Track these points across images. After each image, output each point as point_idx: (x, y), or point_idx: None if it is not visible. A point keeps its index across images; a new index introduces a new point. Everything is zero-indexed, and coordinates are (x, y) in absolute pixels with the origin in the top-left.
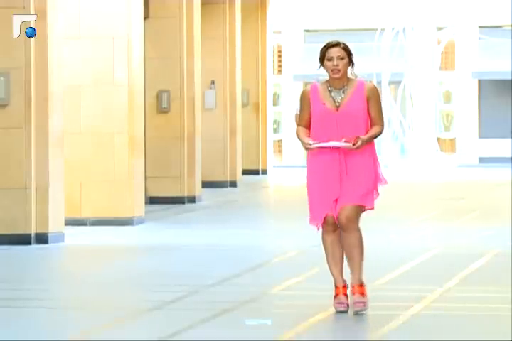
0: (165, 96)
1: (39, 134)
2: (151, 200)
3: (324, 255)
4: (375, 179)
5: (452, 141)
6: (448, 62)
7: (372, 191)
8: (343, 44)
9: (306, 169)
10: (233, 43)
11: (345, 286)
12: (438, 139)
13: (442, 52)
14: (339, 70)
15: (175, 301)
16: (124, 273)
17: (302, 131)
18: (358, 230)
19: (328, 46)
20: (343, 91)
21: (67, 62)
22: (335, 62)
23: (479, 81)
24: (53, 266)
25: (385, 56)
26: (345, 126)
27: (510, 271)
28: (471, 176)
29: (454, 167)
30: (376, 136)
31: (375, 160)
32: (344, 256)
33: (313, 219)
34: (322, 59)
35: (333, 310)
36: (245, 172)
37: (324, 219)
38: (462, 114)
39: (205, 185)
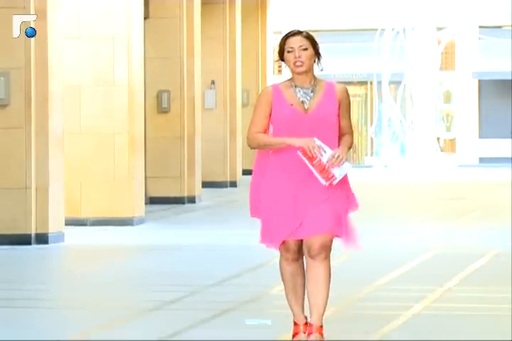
0: (165, 96)
1: (39, 134)
2: (151, 200)
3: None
4: (349, 202)
5: (452, 141)
6: (448, 62)
7: (346, 218)
8: (306, 32)
9: (257, 171)
10: (233, 43)
11: (306, 324)
12: (438, 139)
13: (442, 53)
14: (302, 62)
15: (175, 301)
16: (124, 273)
17: (266, 135)
18: (330, 260)
19: (288, 36)
20: (312, 91)
21: (67, 62)
22: (297, 54)
23: (479, 81)
24: (53, 266)
25: (385, 56)
26: (317, 133)
27: (510, 271)
28: (471, 176)
29: (454, 167)
30: (350, 149)
31: (346, 178)
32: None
33: (267, 240)
34: (281, 52)
35: (334, 310)
36: (245, 172)
37: (285, 244)
38: (462, 114)
39: (205, 185)
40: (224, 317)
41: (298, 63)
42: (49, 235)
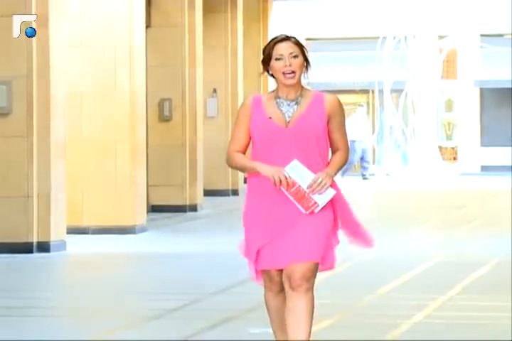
0: (167, 104)
1: (41, 142)
2: (153, 208)
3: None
4: (335, 227)
5: (454, 149)
6: (450, 70)
7: (332, 245)
8: (295, 38)
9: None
10: (235, 52)
11: None
12: (440, 148)
13: (444, 61)
14: (293, 73)
15: (177, 309)
16: (126, 281)
17: (243, 157)
18: (313, 291)
19: (276, 41)
20: (296, 103)
21: (69, 70)
22: (287, 62)
23: (481, 89)
24: (55, 274)
25: (386, 65)
26: (300, 149)
27: (511, 279)
28: (473, 184)
29: (455, 175)
30: (344, 166)
31: (343, 200)
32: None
33: (245, 254)
34: (267, 60)
35: (336, 318)
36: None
37: (268, 274)
38: (464, 123)
39: (207, 193)
40: (226, 326)
41: (289, 74)
42: (51, 243)
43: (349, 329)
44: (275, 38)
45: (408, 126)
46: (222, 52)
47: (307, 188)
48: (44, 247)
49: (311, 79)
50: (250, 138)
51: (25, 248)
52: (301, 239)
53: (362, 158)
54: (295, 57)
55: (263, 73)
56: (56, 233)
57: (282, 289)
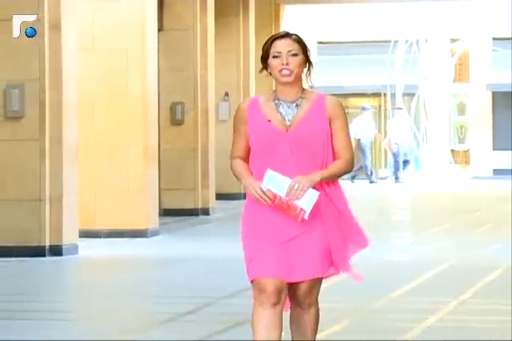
0: (179, 108)
1: (53, 146)
2: (165, 212)
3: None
4: (347, 237)
5: (466, 152)
6: (462, 74)
7: (346, 257)
8: (296, 35)
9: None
10: (247, 55)
11: None
12: (452, 151)
13: (456, 64)
14: (291, 71)
15: (189, 313)
16: (138, 285)
17: (240, 165)
18: (318, 303)
19: (274, 38)
20: (297, 106)
21: (81, 73)
22: (284, 60)
23: (493, 93)
24: (67, 278)
25: (398, 68)
26: (301, 154)
27: None
28: (485, 188)
29: (468, 179)
30: (341, 175)
31: (345, 210)
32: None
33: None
34: (265, 57)
35: (348, 321)
36: None
37: (259, 283)
38: (476, 126)
39: (219, 197)
40: (238, 329)
41: (285, 71)
42: (63, 247)
43: (361, 333)
44: (275, 34)
45: (420, 129)
46: (234, 55)
47: (286, 196)
48: (56, 251)
49: (322, 82)
50: (249, 143)
51: (38, 251)
52: (304, 252)
53: (404, 161)
54: (294, 55)
55: (261, 71)
56: (68, 236)
57: (276, 302)
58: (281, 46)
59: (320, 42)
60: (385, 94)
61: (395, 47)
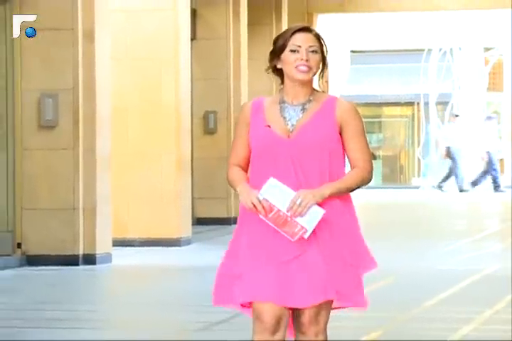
0: (212, 117)
1: (87, 155)
2: (198, 221)
3: None
4: (358, 257)
5: (500, 161)
6: (496, 82)
7: (359, 281)
8: (316, 31)
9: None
10: None
11: None
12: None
13: (490, 73)
14: (309, 68)
15: (222, 322)
16: (171, 294)
17: (237, 172)
18: (325, 333)
19: (294, 30)
20: (303, 109)
21: (114, 83)
22: (304, 56)
23: None
24: (101, 286)
25: (432, 77)
26: (304, 164)
27: None
28: None
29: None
30: (355, 188)
31: (355, 227)
32: None
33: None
34: (281, 49)
35: (382, 331)
36: None
37: (257, 310)
38: (510, 135)
39: None
40: None
41: (302, 67)
42: (96, 256)
43: None
44: (295, 26)
45: None
46: (266, 64)
47: (287, 211)
48: (90, 259)
49: (356, 91)
50: (250, 150)
51: (72, 260)
52: (307, 274)
53: (495, 169)
54: (314, 52)
55: (268, 69)
56: (102, 245)
57: (276, 330)
58: (302, 40)
59: (353, 51)
60: (418, 103)
61: (429, 56)
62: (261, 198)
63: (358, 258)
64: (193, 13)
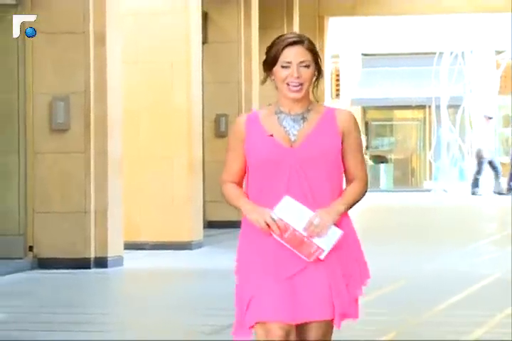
0: (223, 120)
1: (98, 158)
2: (210, 224)
3: None
4: (359, 272)
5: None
6: (507, 85)
7: (356, 296)
8: (308, 41)
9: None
10: None
11: None
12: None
13: (501, 76)
14: (301, 85)
15: (232, 326)
16: (183, 297)
17: (235, 189)
18: None
19: (285, 44)
20: (303, 118)
21: (125, 86)
22: (295, 73)
23: None
24: (112, 290)
25: (443, 80)
26: (307, 175)
27: None
28: None
29: None
30: (359, 201)
31: (355, 241)
32: None
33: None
34: (272, 63)
35: (393, 334)
36: None
37: (265, 328)
38: None
39: None
40: None
41: (294, 86)
42: (108, 259)
43: None
44: (285, 38)
45: (465, 141)
46: None
47: (304, 231)
48: (101, 263)
49: (367, 94)
50: (246, 165)
51: (83, 263)
52: (311, 289)
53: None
54: (306, 67)
55: (264, 82)
56: (113, 249)
57: None
58: (293, 55)
59: (364, 55)
60: (429, 107)
61: (440, 59)
62: (275, 217)
63: (360, 271)
64: (205, 16)
